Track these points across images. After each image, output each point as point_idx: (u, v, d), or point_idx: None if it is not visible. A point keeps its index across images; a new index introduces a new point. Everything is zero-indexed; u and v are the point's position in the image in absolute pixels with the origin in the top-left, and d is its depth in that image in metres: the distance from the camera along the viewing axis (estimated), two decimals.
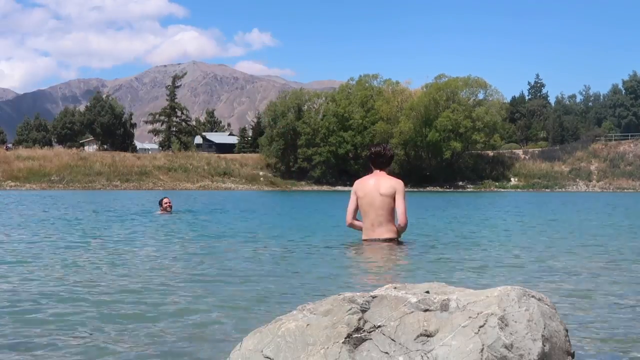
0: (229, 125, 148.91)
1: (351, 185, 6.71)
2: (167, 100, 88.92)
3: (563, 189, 63.81)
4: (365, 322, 1.93)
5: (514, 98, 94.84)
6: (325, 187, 62.71)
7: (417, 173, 64.44)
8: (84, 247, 6.44)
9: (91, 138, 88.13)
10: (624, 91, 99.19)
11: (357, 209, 6.31)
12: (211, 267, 5.00)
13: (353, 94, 70.48)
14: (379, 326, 1.91)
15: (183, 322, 3.05)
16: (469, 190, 61.64)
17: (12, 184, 50.13)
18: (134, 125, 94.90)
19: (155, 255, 5.83)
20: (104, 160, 58.70)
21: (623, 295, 3.89)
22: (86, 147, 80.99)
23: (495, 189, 63.11)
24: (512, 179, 67.55)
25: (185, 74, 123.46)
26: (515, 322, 1.84)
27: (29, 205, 18.16)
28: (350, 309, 1.95)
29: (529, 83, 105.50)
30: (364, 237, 6.28)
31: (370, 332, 1.90)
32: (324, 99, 72.61)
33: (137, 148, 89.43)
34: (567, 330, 2.00)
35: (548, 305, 1.99)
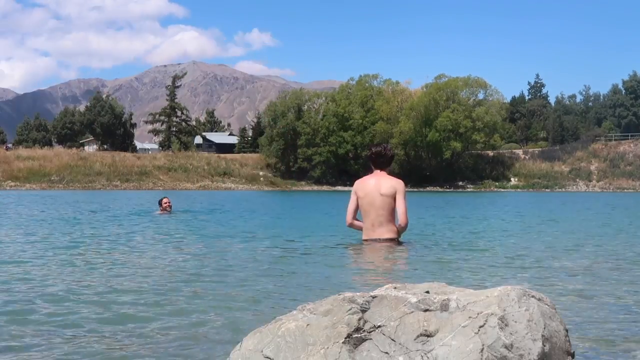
0: (229, 125, 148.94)
1: (351, 185, 6.71)
2: (167, 100, 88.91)
3: (563, 189, 63.82)
4: (365, 322, 1.92)
5: (514, 98, 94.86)
6: (325, 187, 62.73)
7: (417, 173, 64.44)
8: (82, 247, 6.44)
9: (91, 138, 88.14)
10: (624, 91, 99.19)
11: (357, 209, 6.31)
12: (210, 267, 5.00)
13: (353, 94, 70.49)
14: (379, 326, 1.91)
15: (182, 322, 3.05)
16: (469, 190, 61.64)
17: (12, 184, 50.14)
18: (134, 125, 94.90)
19: (154, 255, 5.83)
20: (104, 160, 58.70)
21: (623, 295, 3.89)
22: (86, 147, 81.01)
23: (495, 189, 63.11)
24: (512, 179, 67.55)
25: (185, 74, 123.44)
26: (515, 322, 1.84)
27: (29, 205, 18.16)
28: (350, 309, 1.95)
29: (529, 83, 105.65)
30: (364, 237, 6.28)
31: (370, 332, 1.90)
32: (324, 99, 72.62)
33: (137, 148, 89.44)
34: (567, 330, 2.00)
35: (548, 305, 1.99)
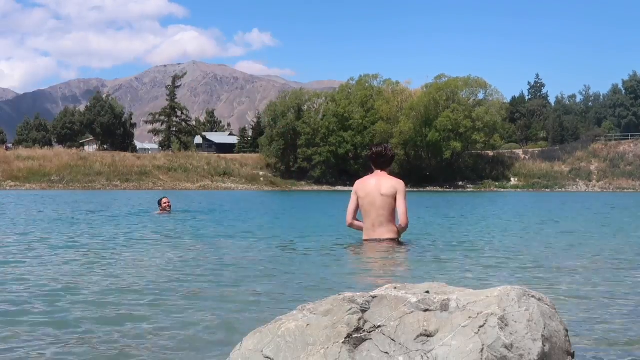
0: (229, 125, 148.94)
1: (351, 185, 6.70)
2: (167, 100, 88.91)
3: (563, 189, 63.82)
4: (365, 322, 1.92)
5: (514, 98, 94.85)
6: (325, 187, 62.72)
7: (417, 173, 64.43)
8: (81, 247, 6.44)
9: (91, 138, 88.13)
10: (624, 91, 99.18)
11: (357, 209, 6.31)
12: (210, 267, 5.00)
13: (353, 94, 70.50)
14: (379, 326, 1.91)
15: (182, 322, 3.05)
16: (469, 190, 61.64)
17: (12, 184, 50.14)
18: (134, 125, 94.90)
19: (152, 255, 5.83)
20: (104, 160, 58.71)
21: (623, 295, 3.89)
22: (86, 147, 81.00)
23: (495, 189, 63.11)
24: (512, 179, 67.55)
25: (185, 74, 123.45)
26: (515, 322, 1.84)
27: (28, 205, 18.15)
28: (350, 309, 1.95)
29: (529, 83, 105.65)
30: (364, 237, 6.28)
31: (370, 332, 1.90)
32: (324, 99, 72.63)
33: (137, 148, 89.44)
34: (567, 330, 2.00)
35: (548, 305, 1.99)
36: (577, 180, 67.11)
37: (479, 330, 1.80)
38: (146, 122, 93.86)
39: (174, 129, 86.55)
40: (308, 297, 3.35)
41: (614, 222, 12.28)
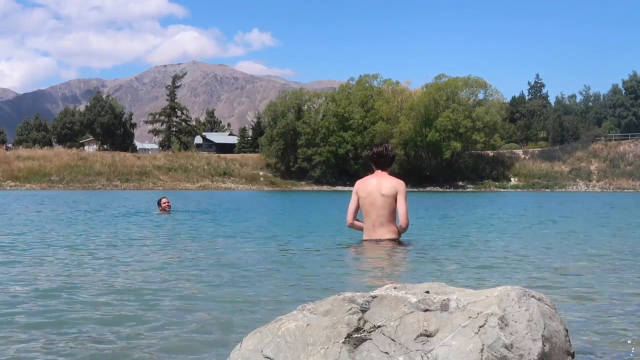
0: (229, 125, 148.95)
1: (351, 185, 6.70)
2: (167, 100, 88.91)
3: (563, 189, 63.82)
4: (365, 322, 1.92)
5: (514, 98, 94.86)
6: (325, 187, 62.73)
7: (417, 173, 64.43)
8: (80, 247, 6.43)
9: (91, 138, 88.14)
10: (624, 91, 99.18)
11: (358, 209, 6.31)
12: (209, 267, 5.00)
13: (353, 94, 70.50)
14: (379, 326, 1.91)
15: (182, 322, 3.04)
16: (469, 190, 61.64)
17: (12, 184, 50.14)
18: (134, 125, 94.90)
19: (152, 255, 5.83)
20: (104, 160, 58.72)
21: (623, 296, 3.89)
22: (86, 147, 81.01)
23: (495, 189, 63.11)
24: (512, 179, 67.56)
25: (185, 74, 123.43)
26: (515, 322, 1.84)
27: (28, 205, 18.15)
28: (350, 309, 1.95)
29: (529, 83, 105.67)
30: (364, 237, 6.28)
31: (370, 332, 1.90)
32: (324, 99, 72.62)
33: (137, 148, 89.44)
34: (567, 330, 2.00)
35: (548, 305, 1.99)
36: (577, 180, 67.11)
37: (479, 330, 1.80)
38: (146, 122, 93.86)
39: (174, 129, 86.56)
40: (308, 297, 3.35)
41: (613, 222, 12.28)
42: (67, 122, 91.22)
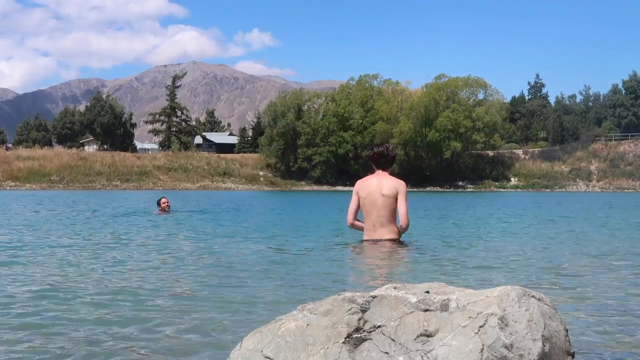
0: (229, 125, 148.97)
1: (351, 185, 6.71)
2: (167, 100, 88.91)
3: (563, 189, 63.83)
4: (365, 322, 1.92)
5: (514, 98, 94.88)
6: (325, 187, 62.73)
7: (417, 173, 64.45)
8: (79, 248, 6.43)
9: (91, 138, 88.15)
10: (624, 91, 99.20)
11: (358, 209, 6.30)
12: (209, 267, 5.00)
13: (353, 94, 70.52)
14: (379, 326, 1.91)
15: (181, 323, 3.04)
16: (469, 190, 61.65)
17: (12, 184, 50.15)
18: (134, 125, 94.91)
19: (151, 255, 5.82)
20: (104, 160, 58.73)
21: (623, 295, 3.89)
22: (86, 147, 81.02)
23: (495, 189, 63.12)
24: (512, 179, 67.57)
25: (185, 74, 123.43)
26: (515, 322, 1.83)
27: (28, 205, 18.15)
28: (350, 309, 1.95)
29: (529, 83, 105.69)
30: (365, 237, 6.28)
31: (370, 332, 1.90)
32: (324, 99, 72.65)
33: (137, 148, 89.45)
34: (567, 330, 1.99)
35: (548, 305, 1.99)
36: (577, 180, 67.13)
37: (479, 330, 1.80)
38: (146, 122, 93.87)
39: (174, 129, 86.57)
40: (308, 297, 3.35)
41: (613, 222, 12.28)
42: (67, 122, 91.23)
